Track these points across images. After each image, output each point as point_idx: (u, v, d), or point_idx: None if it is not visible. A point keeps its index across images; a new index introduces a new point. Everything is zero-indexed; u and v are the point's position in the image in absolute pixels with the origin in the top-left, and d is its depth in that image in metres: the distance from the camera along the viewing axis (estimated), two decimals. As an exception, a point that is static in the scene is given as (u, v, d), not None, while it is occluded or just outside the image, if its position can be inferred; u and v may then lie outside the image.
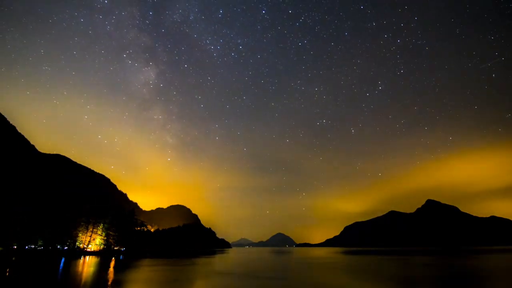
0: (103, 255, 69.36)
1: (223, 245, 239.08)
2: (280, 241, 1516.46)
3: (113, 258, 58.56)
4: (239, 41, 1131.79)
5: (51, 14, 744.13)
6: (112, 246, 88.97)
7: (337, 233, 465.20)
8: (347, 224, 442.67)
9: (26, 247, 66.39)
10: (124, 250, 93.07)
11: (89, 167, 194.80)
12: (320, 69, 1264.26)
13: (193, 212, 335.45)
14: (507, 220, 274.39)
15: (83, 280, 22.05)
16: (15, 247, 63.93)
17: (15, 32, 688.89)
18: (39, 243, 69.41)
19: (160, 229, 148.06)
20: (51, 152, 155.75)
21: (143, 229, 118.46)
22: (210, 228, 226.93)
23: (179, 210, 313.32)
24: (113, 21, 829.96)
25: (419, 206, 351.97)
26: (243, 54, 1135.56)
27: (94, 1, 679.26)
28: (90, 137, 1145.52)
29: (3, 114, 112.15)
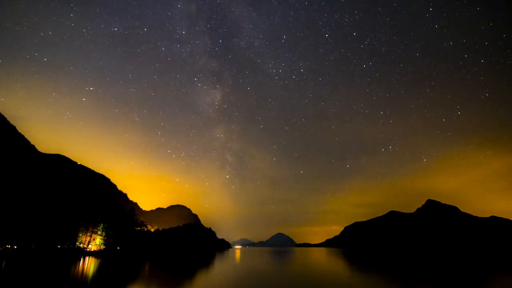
0: (103, 255, 69.31)
1: (223, 245, 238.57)
2: (280, 241, 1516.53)
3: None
4: (300, 64, 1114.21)
5: (140, 45, 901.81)
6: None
7: (337, 233, 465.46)
8: (347, 224, 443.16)
9: (26, 247, 66.33)
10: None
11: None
12: (386, 92, 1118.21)
13: (193, 212, 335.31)
14: (507, 220, 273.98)
15: (83, 281, 22.02)
16: (15, 247, 63.88)
17: (111, 60, 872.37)
18: (39, 243, 69.33)
19: (160, 229, 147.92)
20: (54, 152, 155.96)
21: (143, 229, 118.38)
22: (210, 228, 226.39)
23: (179, 210, 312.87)
24: (188, 49, 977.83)
25: (419, 206, 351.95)
26: (304, 76, 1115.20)
27: (174, 32, 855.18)
28: (160, 151, 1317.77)
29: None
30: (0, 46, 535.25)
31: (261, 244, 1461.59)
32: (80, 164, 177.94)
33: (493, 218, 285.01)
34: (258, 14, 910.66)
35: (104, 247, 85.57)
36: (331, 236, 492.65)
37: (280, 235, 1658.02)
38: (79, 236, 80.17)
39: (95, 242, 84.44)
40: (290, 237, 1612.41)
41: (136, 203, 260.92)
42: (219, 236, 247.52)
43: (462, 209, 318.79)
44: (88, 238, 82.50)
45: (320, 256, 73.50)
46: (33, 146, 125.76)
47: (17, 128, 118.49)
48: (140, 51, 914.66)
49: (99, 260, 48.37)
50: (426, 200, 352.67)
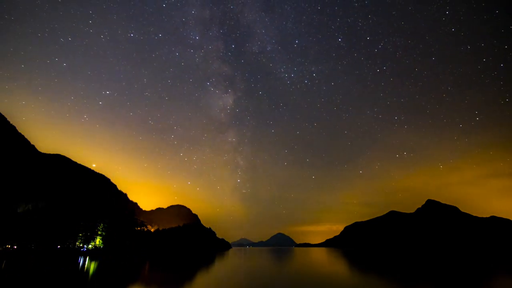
0: (103, 255, 69.28)
1: (223, 245, 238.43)
2: (280, 241, 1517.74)
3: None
4: (313, 68, 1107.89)
5: (155, 50, 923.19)
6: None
7: (337, 233, 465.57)
8: (347, 224, 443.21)
9: (26, 247, 66.33)
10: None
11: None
12: (401, 97, 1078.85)
13: (193, 212, 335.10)
14: (507, 220, 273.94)
15: (83, 280, 22.02)
16: (15, 247, 63.88)
17: (127, 65, 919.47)
18: (39, 243, 69.33)
19: (160, 229, 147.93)
20: (53, 152, 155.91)
21: (143, 229, 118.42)
22: (210, 228, 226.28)
23: (179, 210, 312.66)
24: (201, 54, 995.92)
25: (419, 206, 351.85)
26: (317, 81, 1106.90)
27: (188, 38, 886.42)
28: (173, 154, 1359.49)
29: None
30: (23, 52, 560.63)
31: (261, 244, 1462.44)
32: (80, 164, 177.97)
33: (493, 218, 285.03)
34: (271, 19, 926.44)
35: (104, 247, 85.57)
36: (331, 236, 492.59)
37: (280, 235, 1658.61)
38: (79, 236, 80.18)
39: (95, 242, 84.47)
40: (290, 237, 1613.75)
41: (136, 203, 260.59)
42: (219, 236, 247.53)
43: (462, 209, 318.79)
44: (88, 238, 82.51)
45: (320, 256, 73.52)
46: (33, 146, 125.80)
47: (17, 128, 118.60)
48: (155, 56, 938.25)
49: (99, 260, 48.36)
50: (426, 200, 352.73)
